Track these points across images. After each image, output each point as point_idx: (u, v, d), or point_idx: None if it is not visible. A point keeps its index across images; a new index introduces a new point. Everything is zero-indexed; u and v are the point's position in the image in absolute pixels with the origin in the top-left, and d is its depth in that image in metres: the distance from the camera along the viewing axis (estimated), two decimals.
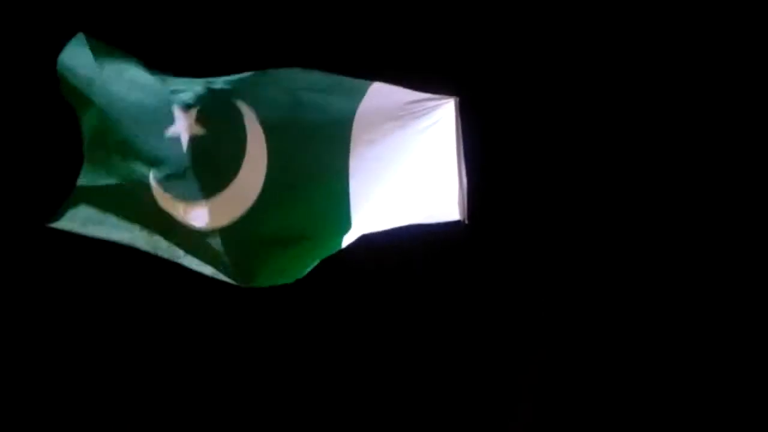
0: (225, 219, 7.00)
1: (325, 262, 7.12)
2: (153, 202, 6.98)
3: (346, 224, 6.97)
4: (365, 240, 7.06)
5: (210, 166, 6.96)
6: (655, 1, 9.98)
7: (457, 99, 7.07)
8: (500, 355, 10.14)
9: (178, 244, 7.01)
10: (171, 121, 7.00)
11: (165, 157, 6.98)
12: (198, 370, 10.31)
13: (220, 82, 7.09)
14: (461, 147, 7.04)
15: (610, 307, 10.16)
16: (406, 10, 9.94)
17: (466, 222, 7.02)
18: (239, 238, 6.98)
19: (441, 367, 10.17)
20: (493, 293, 10.04)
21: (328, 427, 10.24)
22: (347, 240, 7.00)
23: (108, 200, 7.05)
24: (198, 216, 6.96)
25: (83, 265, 9.88)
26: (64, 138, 7.58)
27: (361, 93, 7.03)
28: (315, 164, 7.01)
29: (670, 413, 10.07)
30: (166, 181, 6.98)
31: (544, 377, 10.12)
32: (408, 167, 7.05)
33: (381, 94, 7.05)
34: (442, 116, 7.05)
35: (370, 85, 7.06)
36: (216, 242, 6.97)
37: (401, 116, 7.05)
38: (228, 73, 7.24)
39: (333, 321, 10.18)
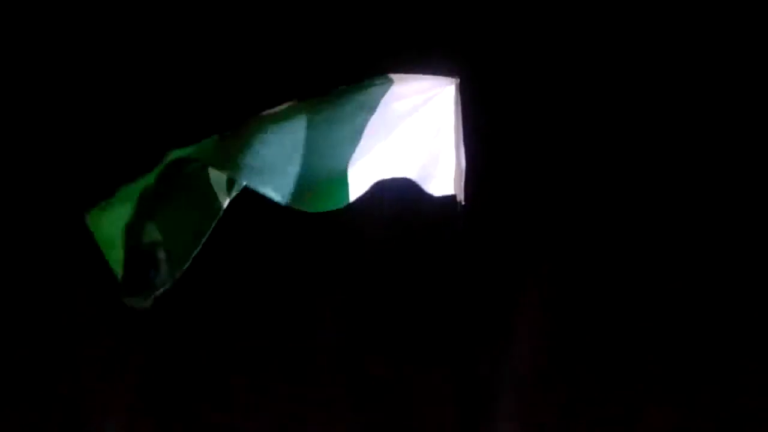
0: None
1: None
2: None
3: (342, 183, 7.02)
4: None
5: None
6: None
7: (458, 80, 7.10)
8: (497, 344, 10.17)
9: None
10: None
11: None
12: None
13: None
14: (461, 129, 7.07)
15: (610, 300, 10.18)
16: None
17: (463, 204, 7.05)
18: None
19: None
20: (488, 276, 10.07)
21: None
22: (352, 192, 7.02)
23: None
24: None
25: None
26: None
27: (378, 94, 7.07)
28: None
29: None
30: None
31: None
32: (407, 147, 7.10)
33: (393, 89, 7.09)
34: (442, 97, 7.08)
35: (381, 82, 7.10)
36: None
37: (405, 97, 7.10)
38: None
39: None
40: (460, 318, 7.58)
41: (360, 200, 7.06)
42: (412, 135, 7.04)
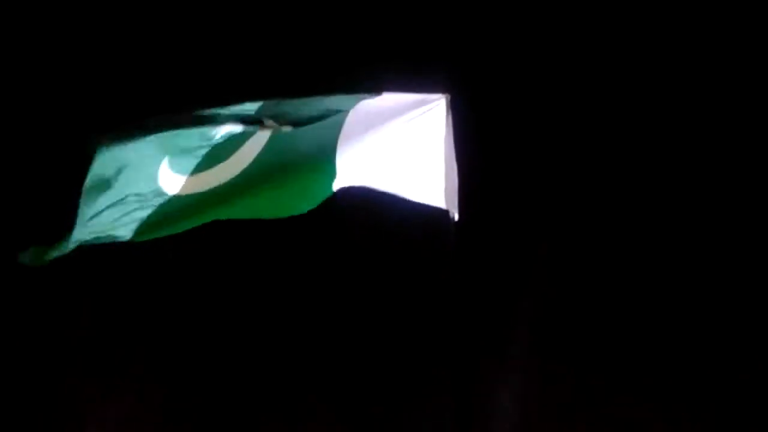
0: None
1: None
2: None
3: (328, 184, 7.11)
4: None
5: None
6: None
7: (448, 96, 7.11)
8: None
9: None
10: None
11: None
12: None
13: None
14: (452, 144, 7.07)
15: (604, 310, 10.17)
16: (400, 7, 9.98)
17: (456, 219, 7.06)
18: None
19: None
20: (480, 289, 10.06)
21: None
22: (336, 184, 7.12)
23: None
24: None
25: None
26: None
27: (360, 98, 7.16)
28: (305, 149, 7.12)
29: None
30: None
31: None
32: (397, 162, 7.11)
33: (379, 99, 7.16)
34: (432, 113, 7.09)
35: (370, 95, 7.16)
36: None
37: (393, 112, 7.11)
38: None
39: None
40: (455, 328, 7.60)
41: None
42: (402, 147, 7.06)
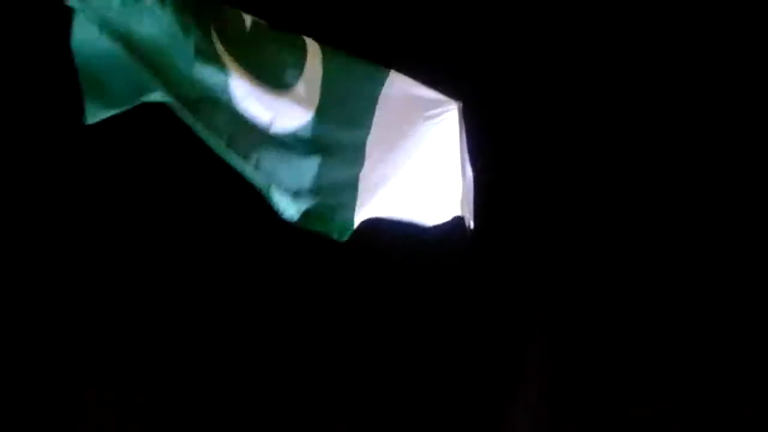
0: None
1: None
2: None
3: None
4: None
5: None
6: (656, 2, 10.00)
7: (461, 103, 7.10)
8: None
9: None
10: None
11: None
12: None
13: None
14: (465, 151, 7.06)
15: (613, 315, 10.16)
16: (412, 12, 9.98)
17: (471, 227, 7.05)
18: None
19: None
20: (496, 295, 10.06)
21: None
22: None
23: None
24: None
25: None
26: None
27: (382, 77, 7.09)
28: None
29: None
30: None
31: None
32: (413, 169, 7.09)
33: (397, 83, 7.10)
34: (445, 120, 7.08)
35: (388, 73, 7.10)
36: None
37: (410, 115, 7.09)
38: None
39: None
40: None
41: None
42: (417, 167, 7.03)
